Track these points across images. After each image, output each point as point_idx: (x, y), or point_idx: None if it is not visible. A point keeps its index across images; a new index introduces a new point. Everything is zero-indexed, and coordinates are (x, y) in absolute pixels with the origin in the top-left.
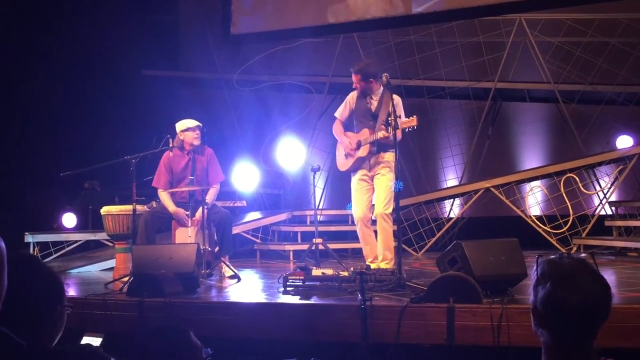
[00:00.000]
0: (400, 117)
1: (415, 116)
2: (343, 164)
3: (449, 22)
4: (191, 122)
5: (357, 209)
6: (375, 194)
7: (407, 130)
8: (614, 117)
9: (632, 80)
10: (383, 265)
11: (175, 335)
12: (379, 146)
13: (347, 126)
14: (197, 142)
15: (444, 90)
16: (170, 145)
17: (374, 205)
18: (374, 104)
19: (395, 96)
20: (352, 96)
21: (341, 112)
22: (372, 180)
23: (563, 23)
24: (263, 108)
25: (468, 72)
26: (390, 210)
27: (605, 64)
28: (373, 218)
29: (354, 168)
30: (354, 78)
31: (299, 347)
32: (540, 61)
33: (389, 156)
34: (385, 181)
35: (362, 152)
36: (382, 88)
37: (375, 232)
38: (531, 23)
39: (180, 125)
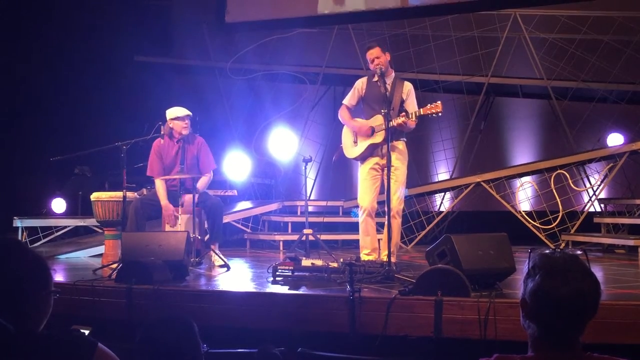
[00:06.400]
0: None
1: (440, 102)
2: (353, 151)
3: (444, 15)
4: (181, 111)
5: (365, 198)
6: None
7: (429, 116)
8: (606, 114)
9: (625, 78)
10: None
11: (182, 326)
12: (393, 134)
13: (353, 114)
14: (185, 132)
15: (437, 84)
16: (162, 132)
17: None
18: (389, 88)
19: (407, 83)
20: (362, 82)
21: (349, 98)
22: (383, 170)
23: (557, 19)
24: (256, 97)
25: (462, 66)
26: (402, 205)
27: (599, 62)
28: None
29: (366, 155)
30: (379, 53)
31: (287, 336)
32: (534, 57)
33: (402, 145)
34: (400, 175)
35: (378, 138)
36: (394, 73)
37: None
38: (526, 19)
39: (170, 113)
